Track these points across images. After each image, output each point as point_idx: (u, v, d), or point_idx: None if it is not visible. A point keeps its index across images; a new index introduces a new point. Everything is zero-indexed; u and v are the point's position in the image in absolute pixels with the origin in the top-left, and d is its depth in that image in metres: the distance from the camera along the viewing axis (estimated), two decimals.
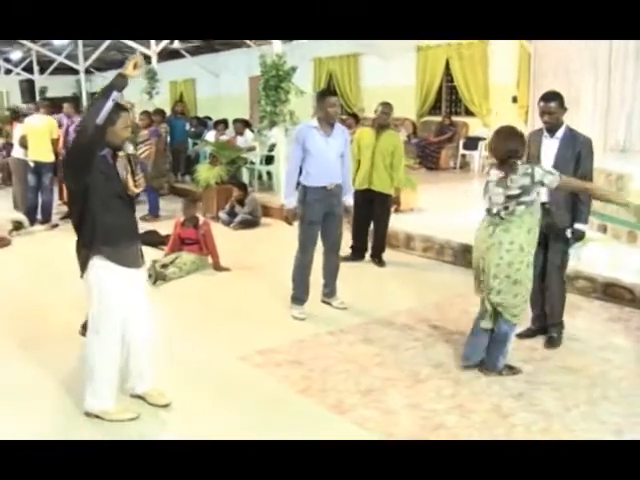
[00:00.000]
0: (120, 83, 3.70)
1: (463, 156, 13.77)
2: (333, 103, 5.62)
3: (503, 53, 12.50)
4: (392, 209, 7.57)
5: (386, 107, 7.25)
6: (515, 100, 12.80)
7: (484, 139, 13.25)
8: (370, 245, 7.60)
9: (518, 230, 4.32)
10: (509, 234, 4.31)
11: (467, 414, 4.05)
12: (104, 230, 3.85)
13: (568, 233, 4.90)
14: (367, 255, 7.62)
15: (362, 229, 7.53)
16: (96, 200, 3.82)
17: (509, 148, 4.28)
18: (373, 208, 7.33)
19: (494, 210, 4.35)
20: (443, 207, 9.12)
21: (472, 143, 13.45)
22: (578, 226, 4.90)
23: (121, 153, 4.02)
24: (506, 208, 4.29)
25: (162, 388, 4.32)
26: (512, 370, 4.59)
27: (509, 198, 4.27)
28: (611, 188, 7.85)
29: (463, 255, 7.31)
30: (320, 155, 5.59)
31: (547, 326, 5.15)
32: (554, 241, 4.97)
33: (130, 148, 4.10)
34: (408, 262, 7.61)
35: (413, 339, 5.27)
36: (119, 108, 3.92)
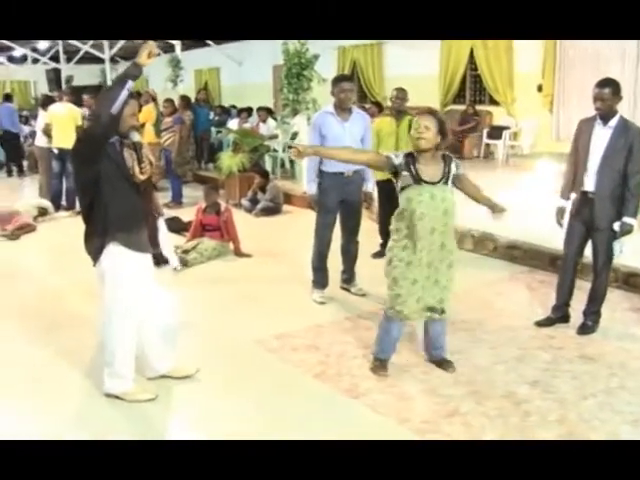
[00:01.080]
0: (134, 72, 3.68)
1: (487, 145, 13.64)
2: (344, 88, 5.57)
3: (528, 41, 12.33)
4: None
5: (401, 92, 7.06)
6: (540, 89, 12.66)
7: (508, 128, 13.15)
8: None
9: None
10: None
11: (482, 401, 4.05)
12: (117, 217, 3.88)
13: (616, 226, 4.80)
14: None
15: (388, 222, 7.37)
16: (107, 188, 3.84)
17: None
18: (394, 199, 7.20)
19: None
20: (465, 196, 9.04)
21: (496, 132, 13.31)
22: (627, 220, 4.77)
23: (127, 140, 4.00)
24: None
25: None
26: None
27: None
28: None
29: (484, 244, 7.30)
30: (336, 141, 5.57)
31: (585, 313, 5.12)
32: (600, 232, 4.89)
33: (136, 136, 4.10)
34: None
35: None
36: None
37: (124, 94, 3.63)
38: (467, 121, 13.79)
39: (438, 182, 4.16)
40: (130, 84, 3.65)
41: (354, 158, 4.44)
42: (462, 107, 14.32)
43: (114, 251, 3.91)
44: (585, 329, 5.08)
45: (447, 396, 4.12)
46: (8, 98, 15.86)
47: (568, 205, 5.11)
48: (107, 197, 3.85)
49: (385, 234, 7.31)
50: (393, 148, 6.92)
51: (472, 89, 14.77)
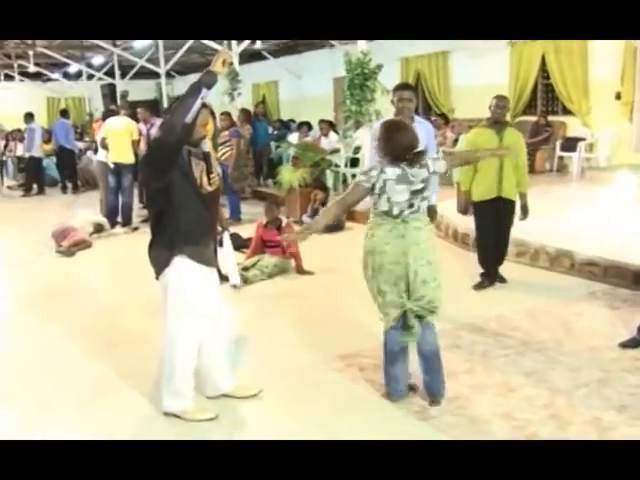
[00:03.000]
0: (209, 80, 3.60)
1: (560, 158, 13.03)
2: (402, 97, 5.24)
3: (605, 45, 11.67)
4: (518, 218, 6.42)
5: (501, 101, 6.18)
6: (619, 97, 12.00)
7: (584, 139, 12.55)
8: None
9: (426, 226, 4.04)
10: (422, 232, 3.96)
11: (563, 426, 3.73)
12: (186, 229, 3.80)
13: None
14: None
15: (491, 248, 6.48)
16: (177, 198, 3.76)
17: (406, 143, 3.90)
18: (498, 220, 6.32)
19: (395, 211, 3.90)
20: (538, 211, 8.63)
21: (570, 144, 12.71)
22: None
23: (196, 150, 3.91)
24: (411, 206, 3.90)
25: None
26: None
27: (414, 194, 3.89)
28: None
29: (560, 261, 6.84)
30: None
31: None
32: None
33: (207, 146, 3.98)
34: (500, 267, 7.15)
35: (504, 347, 4.95)
36: None
37: (198, 103, 3.57)
38: (539, 133, 13.20)
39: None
40: (205, 92, 3.57)
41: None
42: (533, 118, 13.70)
43: (181, 264, 3.82)
44: None
45: (524, 420, 3.82)
46: (64, 114, 15.95)
47: None
48: (176, 207, 3.76)
49: (486, 263, 6.56)
50: (498, 163, 6.10)
51: (544, 98, 14.17)
